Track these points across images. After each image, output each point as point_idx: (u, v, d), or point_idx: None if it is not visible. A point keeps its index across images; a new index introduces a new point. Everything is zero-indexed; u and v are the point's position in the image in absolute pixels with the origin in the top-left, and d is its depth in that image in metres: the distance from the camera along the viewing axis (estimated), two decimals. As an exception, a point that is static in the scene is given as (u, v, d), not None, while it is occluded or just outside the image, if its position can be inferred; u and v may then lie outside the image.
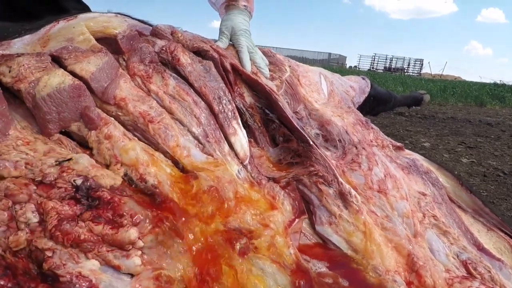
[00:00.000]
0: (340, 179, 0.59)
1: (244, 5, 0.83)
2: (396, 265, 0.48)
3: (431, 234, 0.54)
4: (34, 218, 0.35)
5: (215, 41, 0.79)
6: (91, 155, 0.49)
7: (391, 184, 0.59)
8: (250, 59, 0.77)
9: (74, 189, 0.39)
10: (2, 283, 0.33)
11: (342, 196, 0.57)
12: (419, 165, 0.69)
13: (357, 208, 0.54)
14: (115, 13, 0.67)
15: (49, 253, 0.34)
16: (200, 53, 0.69)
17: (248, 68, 0.74)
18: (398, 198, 0.57)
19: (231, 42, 0.81)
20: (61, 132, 0.50)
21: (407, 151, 0.75)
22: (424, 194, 0.61)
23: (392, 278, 0.46)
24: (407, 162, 0.69)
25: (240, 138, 0.62)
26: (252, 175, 0.59)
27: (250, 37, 0.81)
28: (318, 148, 0.64)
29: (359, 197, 0.56)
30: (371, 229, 0.51)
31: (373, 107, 1.61)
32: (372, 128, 0.75)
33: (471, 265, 0.50)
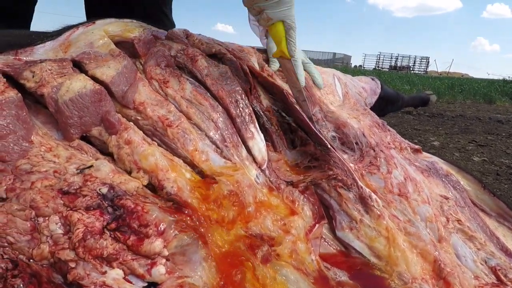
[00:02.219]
0: (359, 182, 0.58)
1: None
2: (423, 272, 0.47)
3: (456, 239, 0.53)
4: (58, 230, 0.35)
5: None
6: (111, 161, 0.49)
7: (411, 187, 0.58)
8: (305, 70, 0.79)
9: (99, 198, 0.39)
10: None
11: (363, 200, 0.56)
12: (438, 168, 0.68)
13: (379, 212, 0.54)
14: (130, 19, 0.67)
15: (72, 264, 0.34)
16: (216, 56, 0.69)
17: (302, 81, 0.75)
18: (420, 202, 0.56)
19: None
20: (81, 138, 0.50)
21: (425, 153, 0.74)
22: (446, 198, 0.60)
23: (419, 286, 0.45)
24: (426, 164, 0.68)
25: (258, 142, 0.61)
26: (271, 179, 0.59)
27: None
28: (336, 151, 0.63)
29: (380, 201, 0.55)
30: (394, 234, 0.50)
31: (381, 107, 1.60)
32: (389, 130, 0.74)
33: (501, 272, 0.49)
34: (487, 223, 0.59)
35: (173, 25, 1.14)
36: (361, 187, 0.57)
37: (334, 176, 0.59)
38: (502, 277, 0.49)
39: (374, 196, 0.56)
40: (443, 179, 0.65)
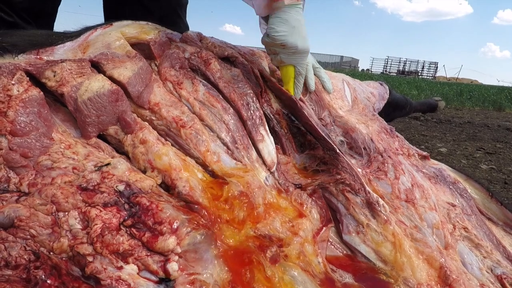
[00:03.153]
0: (367, 187, 0.59)
1: None
2: (428, 278, 0.48)
3: (463, 246, 0.54)
4: (77, 225, 0.37)
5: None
6: (126, 159, 0.50)
7: (419, 194, 0.59)
8: (315, 74, 0.81)
9: (116, 195, 0.40)
10: (49, 282, 0.34)
11: (370, 205, 0.57)
12: (446, 175, 0.68)
13: (386, 218, 0.54)
14: (146, 21, 0.69)
15: (90, 258, 0.36)
16: (228, 59, 0.70)
17: (312, 86, 0.78)
18: (427, 209, 0.57)
19: None
20: (98, 136, 0.51)
21: (432, 160, 0.75)
22: (453, 205, 0.60)
23: None
24: (433, 171, 0.68)
25: (268, 145, 0.62)
26: (280, 182, 0.60)
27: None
28: (344, 156, 0.64)
29: (387, 206, 0.56)
30: (401, 240, 0.51)
31: (389, 112, 1.61)
32: (397, 136, 0.75)
33: (507, 280, 0.50)
34: (493, 232, 0.60)
35: (187, 28, 1.16)
36: (369, 192, 0.58)
37: (342, 180, 0.60)
38: (508, 286, 0.49)
39: (381, 201, 0.57)
40: (451, 187, 0.66)
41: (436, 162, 0.74)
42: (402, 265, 0.49)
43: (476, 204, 0.65)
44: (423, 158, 0.73)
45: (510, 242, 0.60)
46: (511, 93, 5.75)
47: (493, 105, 4.28)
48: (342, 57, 30.15)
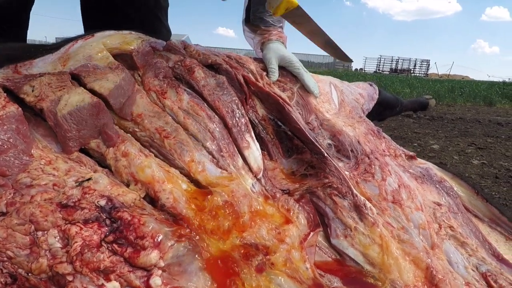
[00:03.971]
0: (354, 190, 0.59)
1: (278, 37, 0.87)
2: (415, 279, 0.48)
3: (449, 245, 0.54)
4: (57, 243, 0.36)
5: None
6: (109, 173, 0.50)
7: (405, 194, 0.59)
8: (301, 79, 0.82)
9: (97, 210, 0.40)
10: None
11: (357, 208, 0.57)
12: (432, 174, 0.69)
13: (373, 220, 0.54)
14: (129, 31, 0.68)
15: (70, 278, 0.35)
16: (213, 66, 0.70)
17: (316, 91, 0.80)
18: (413, 209, 0.57)
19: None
20: (80, 150, 0.51)
21: (419, 160, 0.75)
22: (439, 204, 0.61)
23: None
24: (420, 171, 0.69)
25: (254, 151, 0.62)
26: (266, 188, 0.59)
27: None
28: (331, 159, 0.64)
29: (374, 209, 0.56)
30: (388, 242, 0.51)
31: (380, 112, 1.62)
32: (384, 137, 0.75)
33: (491, 277, 0.50)
34: (480, 229, 0.60)
35: (169, 32, 1.15)
36: (356, 195, 0.58)
37: (330, 184, 0.60)
38: (492, 283, 0.50)
39: (368, 204, 0.57)
40: (437, 186, 0.66)
41: (423, 161, 0.75)
42: (390, 267, 0.49)
43: (462, 201, 0.66)
44: (410, 158, 0.73)
45: (496, 238, 0.60)
46: (501, 88, 5.80)
47: (484, 100, 4.32)
48: (334, 57, 30.21)
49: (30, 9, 0.98)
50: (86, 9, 1.05)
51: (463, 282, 0.49)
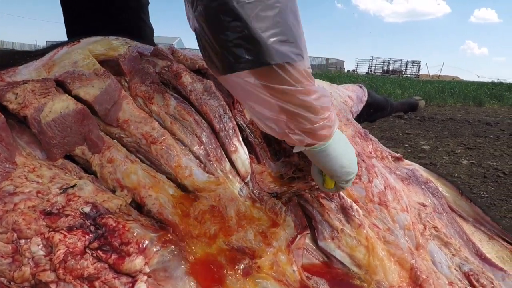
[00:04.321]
0: (341, 193, 0.59)
1: None
2: (400, 279, 0.49)
3: (433, 245, 0.55)
4: (40, 251, 0.36)
5: None
6: (95, 179, 0.50)
7: (391, 196, 0.60)
8: None
9: (81, 217, 0.40)
10: None
11: (344, 210, 0.57)
12: (418, 175, 0.70)
13: (359, 222, 0.55)
14: (116, 36, 0.68)
15: (53, 286, 0.35)
16: (201, 71, 0.71)
17: None
18: (399, 210, 0.57)
19: None
20: (65, 157, 0.51)
21: (406, 161, 0.76)
22: (424, 205, 0.61)
23: None
24: (406, 172, 0.70)
25: (241, 155, 0.62)
26: (254, 192, 0.60)
27: None
28: None
29: (361, 211, 0.57)
30: (374, 243, 0.52)
31: (370, 114, 1.64)
32: (370, 139, 0.76)
33: (474, 277, 0.51)
34: (464, 229, 0.61)
35: (152, 30, 1.12)
36: (343, 198, 0.59)
37: (317, 186, 0.61)
38: (475, 282, 0.51)
39: (355, 206, 0.57)
40: (423, 187, 0.67)
41: (409, 162, 0.76)
42: (375, 268, 0.50)
43: (447, 202, 0.67)
44: (397, 159, 0.74)
45: (479, 238, 0.61)
46: (490, 89, 5.90)
47: (473, 100, 4.39)
48: (328, 59, 30.48)
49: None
50: (68, 14, 1.02)
51: (446, 282, 0.50)
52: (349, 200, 0.58)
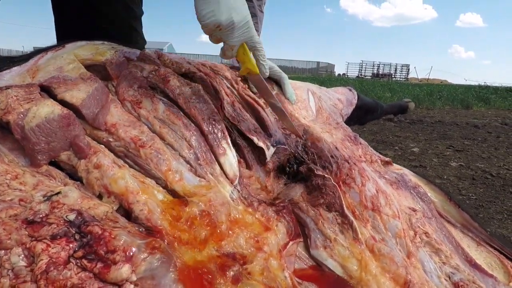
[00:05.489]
0: (345, 210, 0.58)
1: None
2: None
3: (423, 254, 0.54)
4: (21, 262, 0.35)
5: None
6: (81, 186, 0.48)
7: (383, 200, 0.60)
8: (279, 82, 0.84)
9: (66, 225, 0.39)
10: None
11: (341, 222, 0.57)
12: (407, 180, 0.70)
13: (354, 235, 0.55)
14: (101, 41, 0.67)
15: None
16: (187, 75, 0.70)
17: (293, 97, 0.81)
18: (390, 217, 0.57)
19: None
20: (50, 163, 0.49)
21: (395, 165, 0.76)
22: (414, 210, 0.61)
23: None
24: (395, 177, 0.70)
25: (230, 158, 0.62)
26: (243, 195, 0.59)
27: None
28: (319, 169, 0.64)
29: (356, 222, 0.57)
30: (367, 261, 0.51)
31: (360, 116, 1.65)
32: (360, 143, 0.76)
33: (463, 287, 0.51)
34: (453, 234, 0.61)
35: (144, 40, 1.13)
36: (346, 216, 0.58)
37: (326, 203, 0.60)
38: None
39: (351, 218, 0.57)
40: (412, 191, 0.67)
41: (398, 167, 0.76)
42: (368, 282, 0.49)
43: (436, 207, 0.67)
44: (386, 163, 0.74)
45: (468, 244, 0.62)
46: (477, 92, 6.00)
47: (461, 103, 4.46)
48: (318, 63, 30.69)
49: None
50: (60, 23, 1.02)
51: (438, 292, 0.50)
52: (351, 219, 0.58)
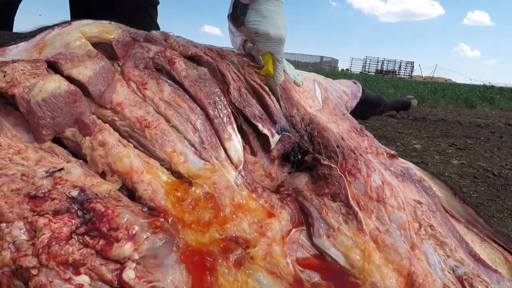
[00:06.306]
0: (350, 201, 0.58)
1: None
2: (398, 285, 0.48)
3: (428, 246, 0.54)
4: (22, 235, 0.34)
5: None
6: (84, 164, 0.48)
7: (388, 191, 0.59)
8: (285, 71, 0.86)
9: (68, 201, 0.38)
10: None
11: (345, 211, 0.57)
12: (412, 173, 0.69)
13: (359, 226, 0.55)
14: (108, 21, 0.66)
15: (34, 271, 0.33)
16: (194, 58, 0.69)
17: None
18: (395, 208, 0.57)
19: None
20: (53, 141, 0.49)
21: (400, 159, 0.76)
22: (420, 203, 0.61)
23: None
24: (401, 170, 0.69)
25: (235, 143, 0.61)
26: (248, 181, 0.59)
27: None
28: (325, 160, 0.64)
29: (361, 213, 0.56)
30: (371, 252, 0.51)
31: (363, 111, 1.63)
32: (366, 135, 0.75)
33: (467, 281, 0.50)
34: (457, 228, 0.61)
35: (157, 27, 1.13)
36: (351, 206, 0.58)
37: (331, 193, 0.60)
38: (468, 287, 0.50)
39: (356, 208, 0.57)
40: (417, 185, 0.66)
41: (404, 161, 0.75)
42: (371, 272, 0.49)
43: (440, 201, 0.66)
44: (391, 156, 0.74)
45: (472, 239, 0.61)
46: (481, 91, 5.97)
47: (465, 102, 4.43)
48: (322, 57, 30.48)
49: (19, 2, 0.96)
50: (75, 7, 1.02)
51: (441, 284, 0.50)
52: (356, 209, 0.57)
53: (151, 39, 0.67)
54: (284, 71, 0.84)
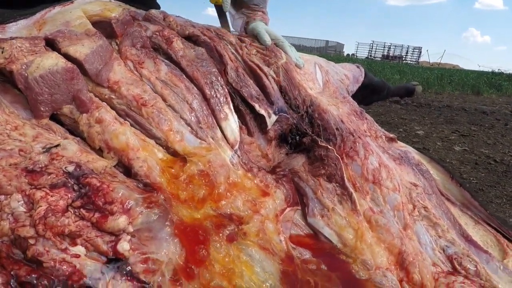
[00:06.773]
0: (346, 183, 0.59)
1: (262, 18, 0.92)
2: (388, 263, 0.49)
3: (420, 227, 0.55)
4: (20, 207, 0.36)
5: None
6: (81, 141, 0.49)
7: (385, 174, 0.60)
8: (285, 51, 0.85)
9: (65, 176, 0.39)
10: None
11: (340, 192, 0.58)
12: (410, 157, 0.69)
13: (353, 206, 0.56)
14: None
15: (32, 241, 0.35)
16: (191, 38, 0.69)
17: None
18: (390, 190, 0.57)
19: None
20: (51, 118, 0.49)
21: (399, 143, 0.76)
22: (415, 185, 0.61)
23: (382, 273, 0.47)
24: (399, 153, 0.69)
25: (231, 123, 0.62)
26: (243, 161, 0.59)
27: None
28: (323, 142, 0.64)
29: (356, 194, 0.57)
30: (364, 231, 0.52)
31: (366, 96, 1.62)
32: (366, 118, 0.75)
33: (456, 260, 0.52)
34: (451, 211, 0.61)
35: (158, 6, 1.12)
36: (347, 188, 0.58)
37: (327, 174, 0.60)
38: (457, 265, 0.51)
39: (351, 190, 0.58)
40: (414, 168, 0.67)
41: (403, 144, 0.75)
42: (362, 250, 0.50)
43: (437, 185, 0.67)
44: (390, 140, 0.74)
45: (466, 221, 0.62)
46: (489, 78, 5.87)
47: (471, 89, 4.37)
48: (327, 41, 30.02)
49: None
50: None
51: (431, 263, 0.51)
52: (351, 190, 0.58)
53: (150, 18, 0.67)
54: (286, 52, 0.83)
